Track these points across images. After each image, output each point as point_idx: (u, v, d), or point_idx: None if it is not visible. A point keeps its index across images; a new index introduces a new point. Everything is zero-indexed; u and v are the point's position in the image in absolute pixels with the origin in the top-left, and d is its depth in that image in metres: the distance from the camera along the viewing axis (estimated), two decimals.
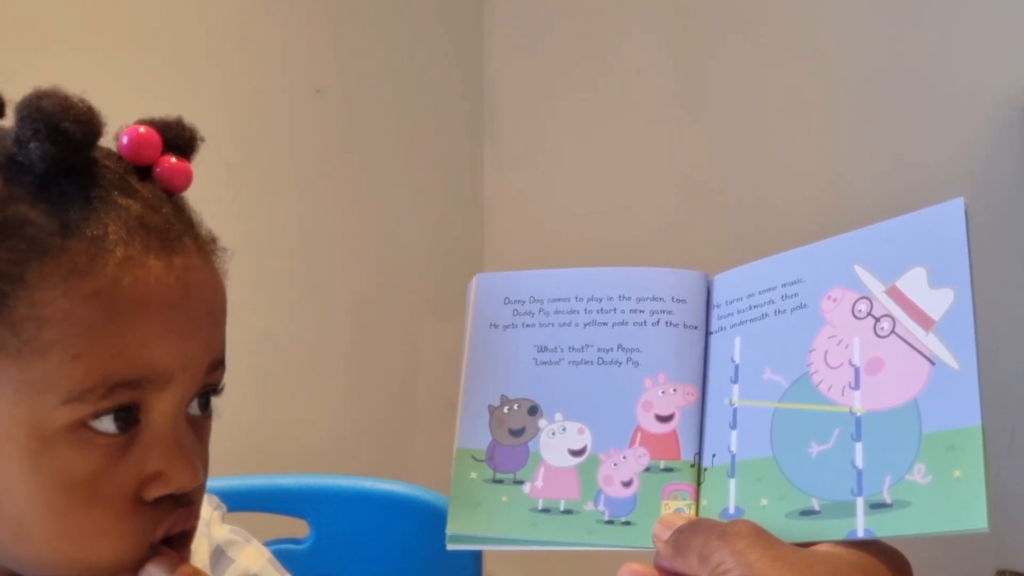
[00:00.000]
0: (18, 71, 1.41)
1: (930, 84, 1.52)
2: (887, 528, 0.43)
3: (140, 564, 0.49)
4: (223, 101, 1.55)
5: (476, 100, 2.02)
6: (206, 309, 0.50)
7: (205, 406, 0.53)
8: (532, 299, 0.57)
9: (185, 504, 0.50)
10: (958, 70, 1.49)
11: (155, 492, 0.48)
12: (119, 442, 0.47)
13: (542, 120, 1.97)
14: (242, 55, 1.59)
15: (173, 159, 0.52)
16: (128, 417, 0.47)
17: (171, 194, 0.52)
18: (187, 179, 0.52)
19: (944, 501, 0.42)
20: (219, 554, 0.66)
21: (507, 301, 0.57)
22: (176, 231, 0.50)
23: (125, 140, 0.50)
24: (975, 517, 0.41)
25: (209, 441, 0.54)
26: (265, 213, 1.60)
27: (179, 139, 0.53)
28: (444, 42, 1.98)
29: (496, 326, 0.57)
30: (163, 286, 0.48)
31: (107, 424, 0.47)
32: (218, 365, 0.52)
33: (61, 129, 0.46)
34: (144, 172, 0.51)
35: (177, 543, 0.50)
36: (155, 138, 0.51)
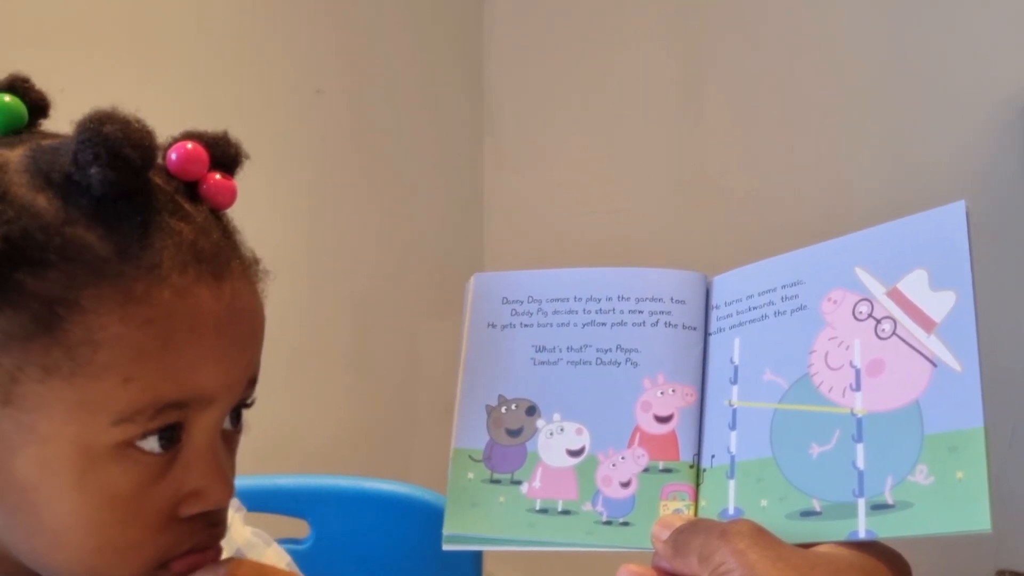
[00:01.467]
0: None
1: (930, 84, 1.52)
2: (889, 529, 0.43)
3: (156, 571, 0.50)
4: (223, 101, 1.55)
5: (476, 100, 2.02)
6: (250, 332, 0.52)
7: (237, 420, 0.54)
8: (530, 299, 0.56)
9: (216, 523, 0.52)
10: (958, 70, 1.49)
11: (192, 509, 0.49)
12: (162, 461, 0.48)
13: (542, 120, 1.97)
14: (243, 55, 1.59)
15: (218, 176, 0.52)
16: (172, 436, 0.48)
17: (216, 211, 0.52)
18: (232, 197, 0.53)
19: (947, 502, 0.42)
20: (240, 557, 0.66)
21: (505, 301, 0.57)
22: (225, 256, 0.50)
23: (174, 157, 0.51)
24: (978, 518, 0.40)
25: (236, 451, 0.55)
26: (265, 213, 1.59)
27: (225, 156, 0.53)
28: (444, 42, 1.98)
29: (494, 326, 0.56)
30: (212, 313, 0.49)
31: (152, 444, 0.48)
32: (255, 381, 0.53)
33: (122, 155, 0.46)
34: (191, 188, 0.51)
35: (202, 550, 0.52)
36: (203, 155, 0.52)
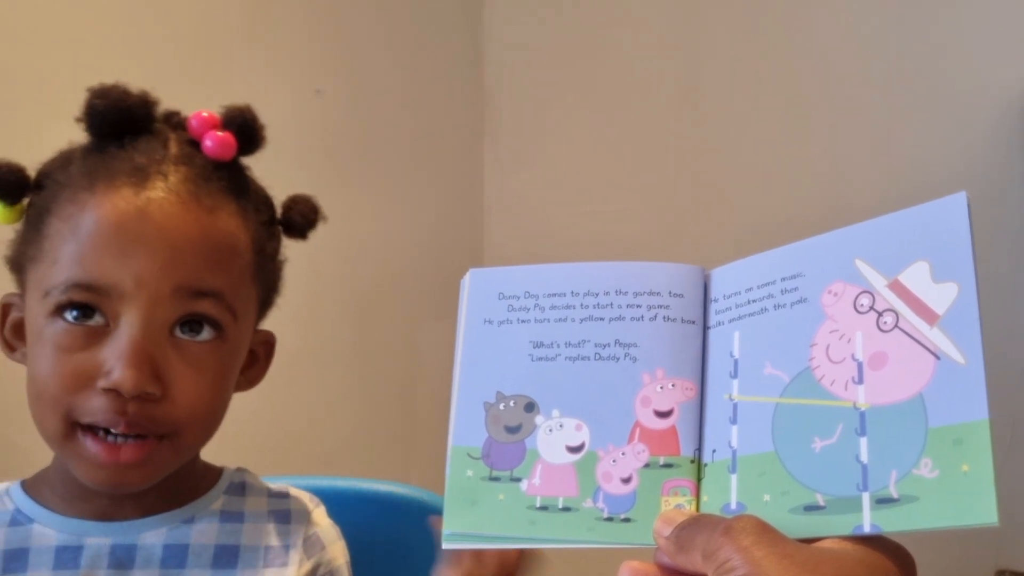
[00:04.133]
0: (18, 71, 1.41)
1: (931, 84, 1.51)
2: (894, 523, 0.43)
3: (68, 433, 0.64)
4: (223, 101, 1.54)
5: (476, 100, 2.02)
6: (163, 238, 0.63)
7: (193, 332, 0.65)
8: (527, 294, 0.56)
9: (123, 409, 0.62)
10: (958, 70, 1.49)
11: (102, 382, 0.62)
12: (83, 331, 0.63)
13: (542, 120, 1.97)
14: (242, 55, 1.59)
15: (218, 134, 0.69)
16: (90, 314, 0.63)
17: (216, 159, 0.68)
18: (224, 149, 0.69)
19: (952, 495, 0.41)
20: (314, 540, 0.76)
21: (501, 296, 0.56)
22: (164, 179, 0.65)
23: (194, 123, 0.69)
24: (985, 511, 0.40)
25: (208, 366, 0.66)
26: None
27: (238, 120, 0.71)
28: (444, 42, 1.97)
29: (490, 322, 0.55)
30: (119, 212, 0.63)
31: (70, 317, 0.63)
32: (196, 295, 0.64)
33: (94, 116, 0.67)
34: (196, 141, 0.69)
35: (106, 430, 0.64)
36: (213, 120, 0.70)
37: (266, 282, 0.75)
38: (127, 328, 0.62)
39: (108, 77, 1.39)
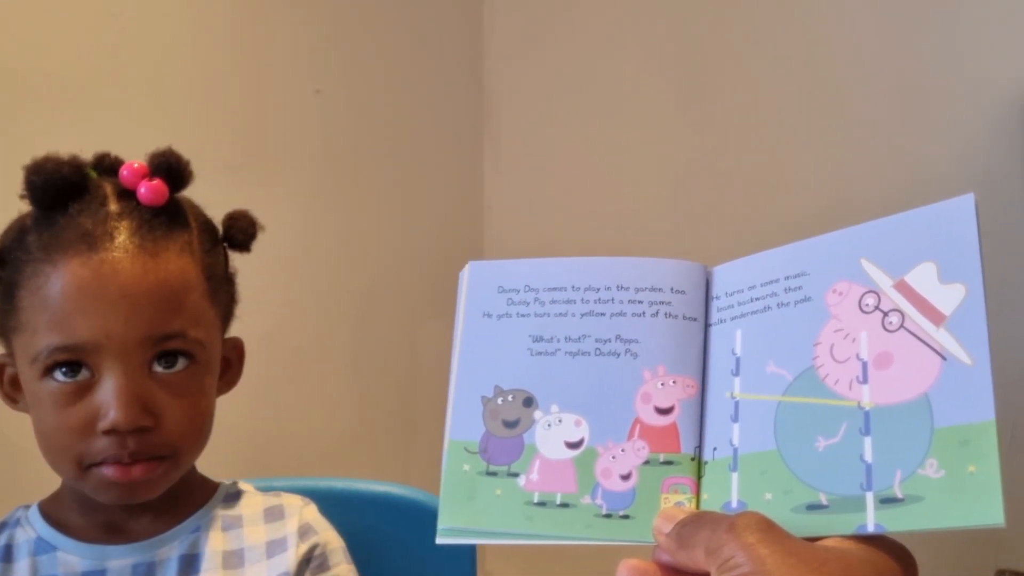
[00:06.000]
0: (17, 70, 1.41)
1: (931, 84, 1.51)
2: (898, 523, 0.42)
3: (82, 472, 0.72)
4: (223, 101, 1.54)
5: (476, 100, 2.02)
6: (122, 295, 0.70)
7: (170, 365, 0.72)
8: (527, 288, 0.55)
9: (124, 444, 0.70)
10: (959, 70, 1.49)
11: (101, 425, 0.70)
12: (74, 387, 0.71)
13: (542, 120, 1.96)
14: (242, 55, 1.58)
15: (150, 182, 0.73)
16: (76, 369, 0.70)
17: (150, 206, 0.73)
18: (156, 196, 0.73)
19: (958, 496, 0.41)
20: (307, 527, 0.82)
21: (501, 290, 0.55)
22: (111, 236, 0.71)
23: (125, 172, 0.74)
24: (991, 512, 0.40)
25: (190, 391, 0.74)
26: (265, 213, 1.58)
27: (164, 165, 0.74)
28: (444, 42, 1.97)
29: (489, 315, 0.55)
30: (78, 278, 0.69)
31: (60, 376, 0.71)
32: (162, 338, 0.71)
33: (36, 192, 0.72)
34: (131, 191, 0.74)
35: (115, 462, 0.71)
36: (142, 169, 0.74)
37: (223, 300, 0.80)
38: (111, 375, 0.70)
39: (108, 79, 1.40)
